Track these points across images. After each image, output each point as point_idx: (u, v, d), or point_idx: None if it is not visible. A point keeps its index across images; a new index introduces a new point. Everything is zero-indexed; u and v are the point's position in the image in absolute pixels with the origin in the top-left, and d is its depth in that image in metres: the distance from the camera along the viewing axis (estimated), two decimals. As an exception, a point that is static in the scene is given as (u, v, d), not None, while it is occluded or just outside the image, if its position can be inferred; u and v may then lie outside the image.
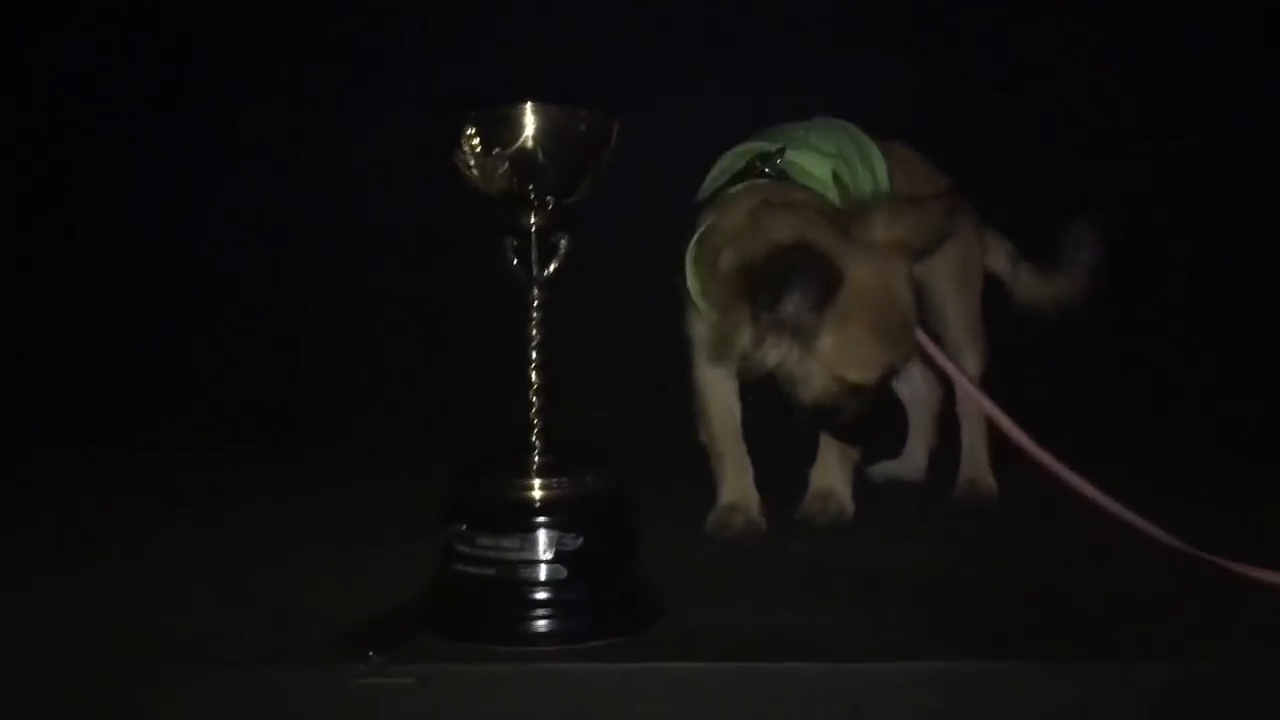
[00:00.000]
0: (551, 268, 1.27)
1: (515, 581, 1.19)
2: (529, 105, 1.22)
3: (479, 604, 1.20)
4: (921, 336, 1.64)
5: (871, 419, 1.53)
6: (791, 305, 1.40)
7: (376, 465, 2.19)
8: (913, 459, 2.00)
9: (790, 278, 1.39)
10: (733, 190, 1.59)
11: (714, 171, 1.69)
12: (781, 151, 1.61)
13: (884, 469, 1.99)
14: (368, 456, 2.29)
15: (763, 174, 1.59)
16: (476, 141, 1.21)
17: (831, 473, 1.71)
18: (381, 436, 2.46)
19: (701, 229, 1.58)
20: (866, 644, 1.17)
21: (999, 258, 1.98)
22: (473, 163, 1.22)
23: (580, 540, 1.19)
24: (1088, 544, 1.52)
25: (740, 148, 1.71)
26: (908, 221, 1.49)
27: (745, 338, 1.45)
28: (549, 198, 1.26)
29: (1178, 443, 2.28)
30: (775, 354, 1.45)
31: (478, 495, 1.23)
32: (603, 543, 1.22)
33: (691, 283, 1.60)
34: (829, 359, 1.45)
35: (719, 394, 1.68)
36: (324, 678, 1.13)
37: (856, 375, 1.47)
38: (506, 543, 1.18)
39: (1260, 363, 2.59)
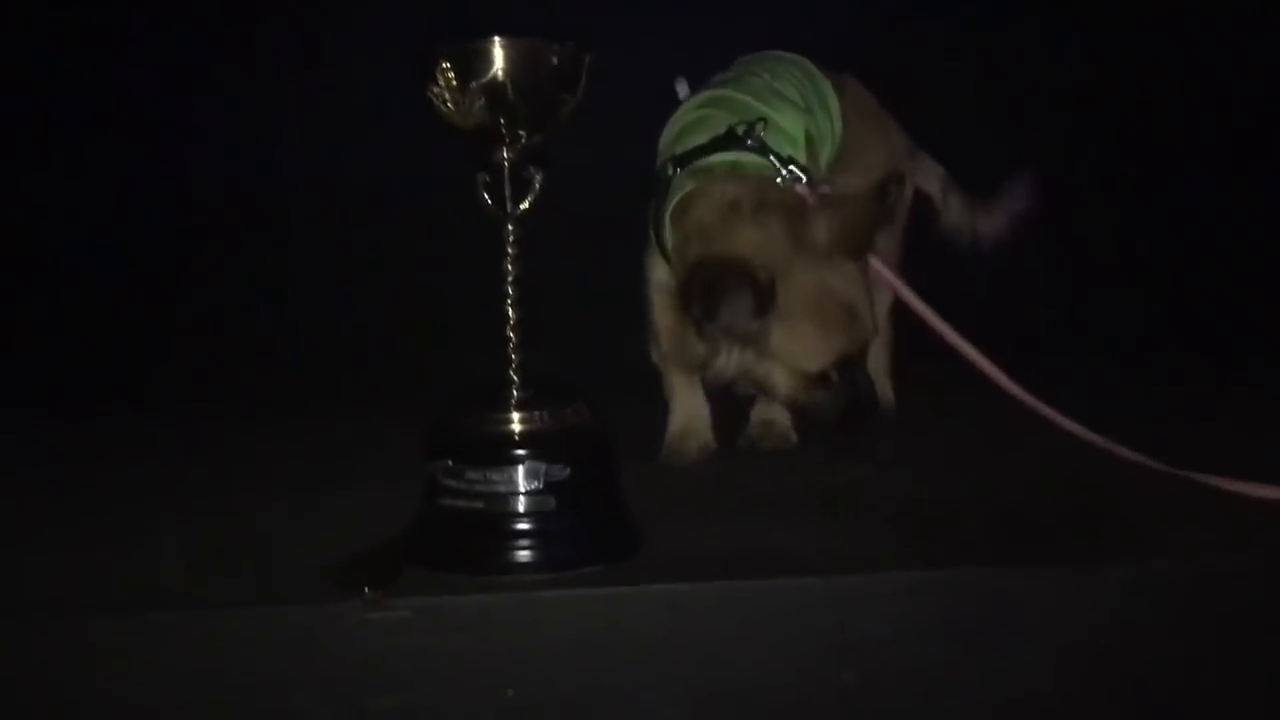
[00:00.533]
0: (525, 203, 1.27)
1: (503, 514, 1.21)
2: (500, 40, 1.21)
3: (469, 537, 1.22)
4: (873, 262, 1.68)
5: (854, 407, 1.57)
6: (728, 316, 1.47)
7: (359, 411, 2.20)
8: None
9: (723, 292, 1.46)
10: (713, 161, 1.63)
11: (682, 119, 1.72)
12: (763, 123, 1.65)
13: None
14: (350, 403, 2.29)
15: (743, 144, 1.63)
16: (451, 75, 1.21)
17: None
18: (364, 382, 2.46)
19: (679, 197, 1.61)
20: (843, 559, 1.22)
21: (931, 180, 2.04)
22: (447, 97, 1.22)
23: (567, 471, 1.21)
24: (1030, 459, 1.62)
25: (708, 93, 1.75)
26: (845, 224, 1.55)
27: (700, 348, 1.54)
28: (521, 133, 1.26)
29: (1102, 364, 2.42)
30: (731, 361, 1.53)
31: (463, 430, 1.24)
32: (586, 473, 1.24)
33: (668, 237, 1.63)
34: (781, 355, 1.52)
35: (672, 320, 1.69)
36: (317, 616, 1.14)
37: (810, 364, 1.53)
38: (494, 475, 1.20)
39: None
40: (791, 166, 1.62)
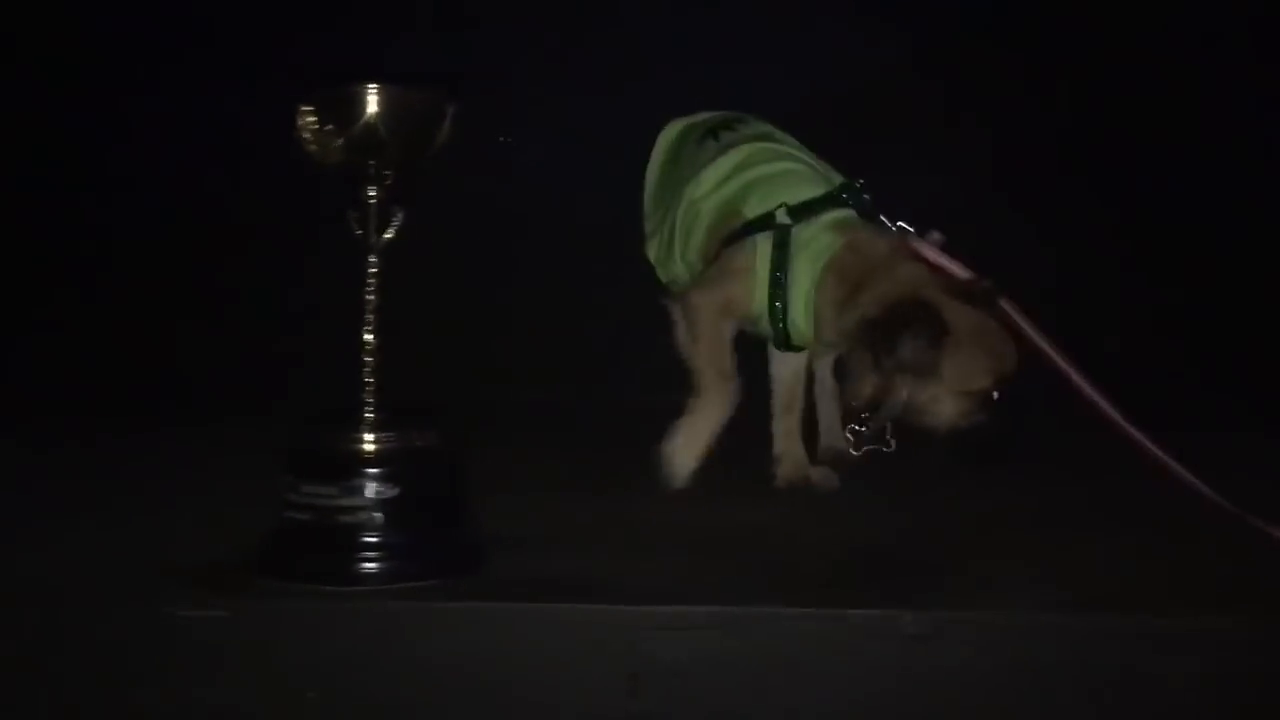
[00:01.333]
0: (387, 236, 1.36)
1: (334, 526, 1.28)
2: (367, 86, 1.31)
3: (304, 548, 1.30)
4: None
5: (1005, 433, 1.67)
6: (909, 350, 1.62)
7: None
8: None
9: (906, 327, 1.62)
10: (836, 216, 1.78)
11: (757, 168, 1.87)
12: (863, 187, 1.81)
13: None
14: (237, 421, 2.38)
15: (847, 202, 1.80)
16: (313, 119, 1.30)
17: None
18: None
19: (832, 247, 1.74)
20: (655, 590, 1.26)
21: None
22: (310, 138, 1.31)
23: (396, 490, 1.29)
24: (928, 510, 1.69)
25: (761, 145, 1.92)
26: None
27: (870, 383, 1.68)
28: (387, 172, 1.35)
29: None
30: (904, 392, 1.66)
31: (304, 448, 1.32)
32: (422, 493, 1.31)
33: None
34: (950, 380, 1.65)
35: (716, 322, 1.82)
36: (145, 617, 1.23)
37: (977, 384, 1.65)
38: (325, 490, 1.28)
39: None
40: (900, 223, 1.77)
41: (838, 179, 1.90)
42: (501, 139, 2.88)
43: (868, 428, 1.86)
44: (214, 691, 1.20)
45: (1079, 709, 1.16)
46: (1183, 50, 2.78)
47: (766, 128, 2.05)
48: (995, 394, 1.66)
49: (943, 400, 1.67)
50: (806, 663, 1.19)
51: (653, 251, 2.09)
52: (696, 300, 1.84)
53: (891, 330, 1.63)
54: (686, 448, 1.77)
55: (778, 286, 1.77)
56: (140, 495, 1.75)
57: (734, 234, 1.82)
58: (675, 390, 1.82)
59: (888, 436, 1.93)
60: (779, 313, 1.77)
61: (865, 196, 1.81)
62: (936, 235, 1.78)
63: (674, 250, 2.00)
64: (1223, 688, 1.15)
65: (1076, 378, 1.68)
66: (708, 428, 1.79)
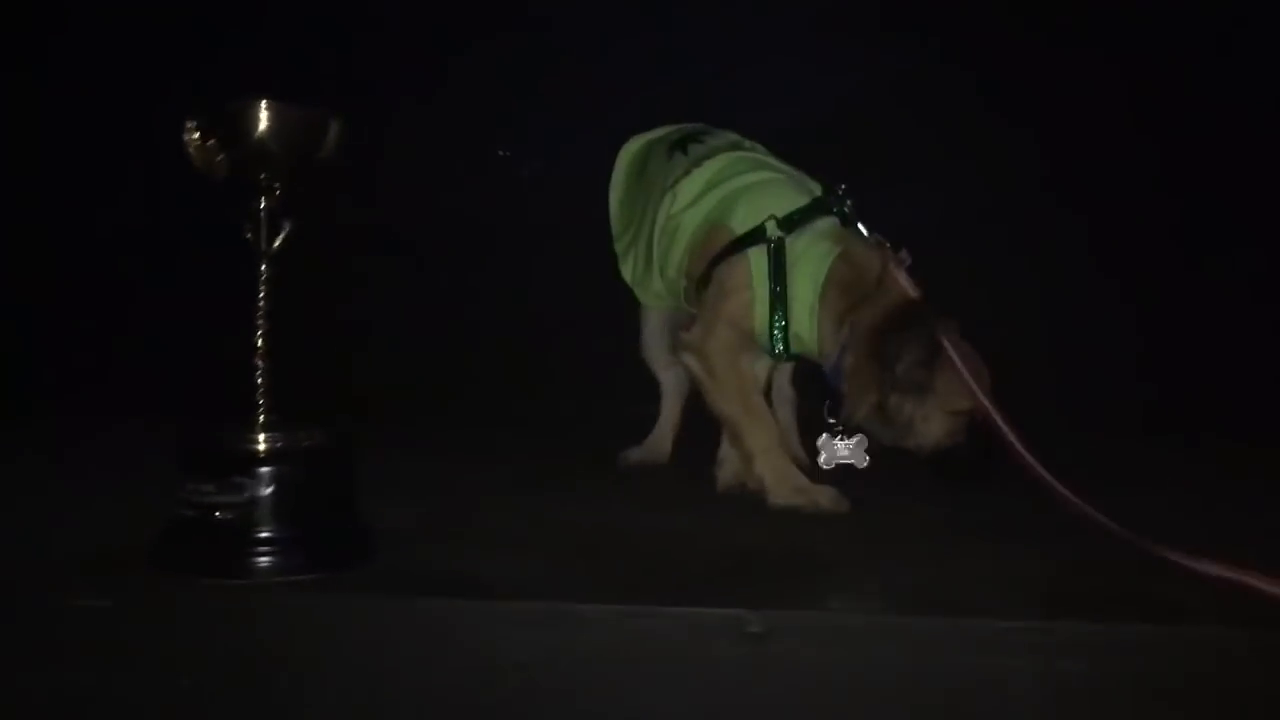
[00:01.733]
0: (276, 244, 1.43)
1: (218, 522, 1.35)
2: (255, 102, 1.37)
3: (190, 543, 1.37)
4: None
5: (986, 452, 1.70)
6: (908, 365, 1.70)
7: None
8: (659, 445, 2.18)
9: (906, 343, 1.69)
10: (822, 226, 1.82)
11: (734, 178, 1.90)
12: (848, 195, 1.86)
13: (631, 454, 2.18)
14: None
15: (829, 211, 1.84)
16: (196, 135, 1.37)
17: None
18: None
19: (828, 259, 1.78)
20: (517, 587, 1.32)
21: None
22: (194, 154, 1.38)
23: (279, 488, 1.35)
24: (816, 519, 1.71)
25: (739, 154, 1.96)
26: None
27: (873, 398, 1.73)
28: (276, 185, 1.42)
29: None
30: (903, 410, 1.73)
31: (193, 447, 1.39)
32: (304, 491, 1.38)
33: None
34: (941, 397, 1.71)
35: (731, 362, 1.86)
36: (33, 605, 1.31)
37: (964, 403, 1.70)
38: (207, 488, 1.35)
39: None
40: (876, 234, 1.82)
41: (815, 185, 1.92)
42: (500, 152, 2.96)
43: (842, 440, 1.91)
44: (95, 678, 1.27)
45: (905, 703, 1.19)
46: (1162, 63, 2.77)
47: (734, 137, 2.05)
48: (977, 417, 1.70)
49: (935, 418, 1.73)
50: (650, 659, 1.24)
51: (628, 271, 2.11)
52: (706, 346, 1.85)
53: (899, 345, 1.69)
54: (780, 481, 1.78)
55: (778, 300, 1.79)
56: (40, 487, 1.86)
57: (724, 250, 1.84)
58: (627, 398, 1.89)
59: (864, 452, 1.98)
60: (780, 326, 1.80)
61: (848, 204, 1.84)
62: (905, 254, 1.80)
63: (652, 267, 2.02)
64: (1047, 687, 1.18)
65: (979, 394, 1.69)
66: (777, 449, 1.82)
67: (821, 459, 1.98)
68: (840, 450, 1.95)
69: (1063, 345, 2.82)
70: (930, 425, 1.74)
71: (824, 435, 1.93)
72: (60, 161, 2.88)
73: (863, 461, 1.88)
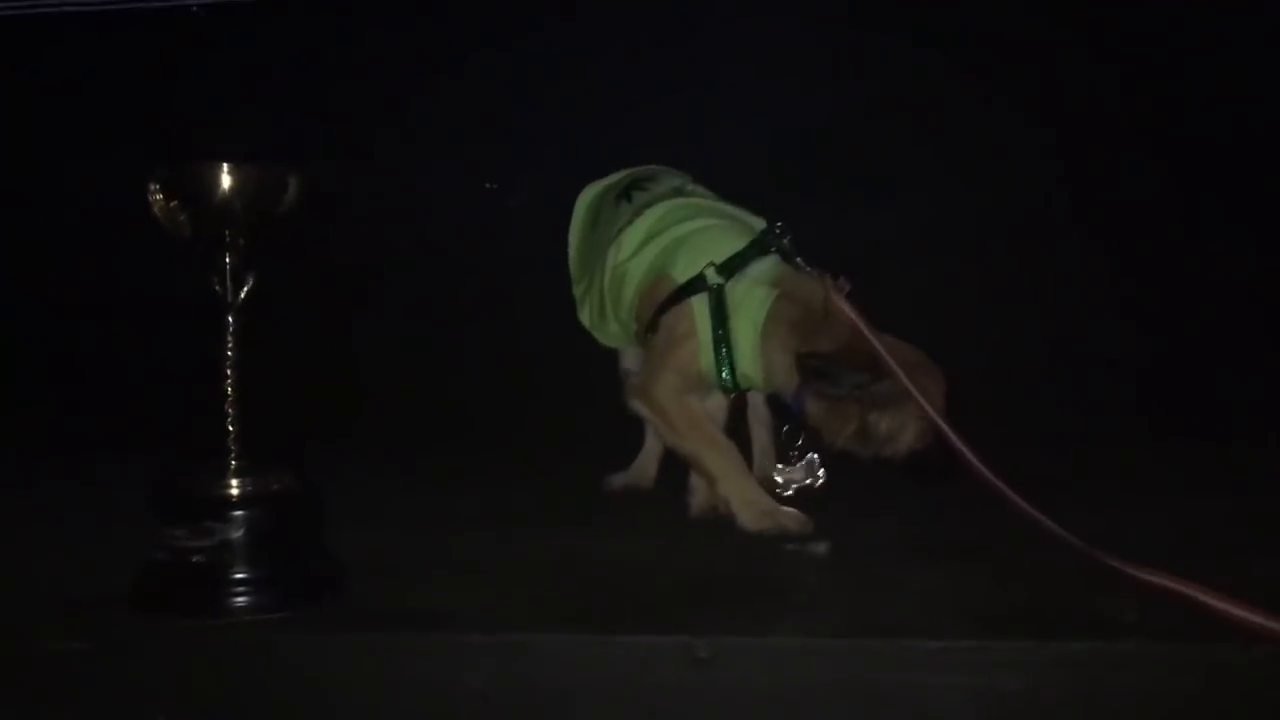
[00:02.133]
0: (242, 295, 1.49)
1: (191, 565, 1.41)
2: (211, 163, 1.44)
3: (166, 585, 1.42)
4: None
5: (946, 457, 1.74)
6: (848, 384, 1.77)
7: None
8: (644, 470, 2.23)
9: (839, 371, 1.78)
10: (764, 267, 1.88)
11: (675, 228, 1.96)
12: (786, 231, 1.92)
13: (615, 480, 2.24)
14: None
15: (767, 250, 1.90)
16: (160, 196, 1.44)
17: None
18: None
19: (768, 303, 1.85)
20: (476, 620, 1.37)
21: None
22: (157, 212, 1.44)
23: (249, 531, 1.41)
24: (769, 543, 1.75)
25: (682, 201, 2.03)
26: None
27: (853, 424, 1.80)
28: (241, 240, 1.48)
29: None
30: (882, 425, 1.80)
31: (164, 492, 1.45)
32: (273, 533, 1.43)
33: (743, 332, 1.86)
34: (909, 404, 1.76)
35: (679, 401, 1.91)
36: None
37: (934, 405, 1.75)
38: (180, 532, 1.41)
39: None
40: (813, 267, 1.88)
41: (755, 223, 1.98)
42: (487, 185, 3.03)
43: (797, 465, 1.97)
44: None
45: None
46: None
47: (678, 181, 2.13)
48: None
49: (907, 426, 1.80)
50: (600, 687, 1.28)
51: (586, 317, 2.19)
52: (652, 390, 1.92)
53: (829, 375, 1.77)
54: (745, 506, 1.82)
55: (720, 344, 1.86)
56: (10, 530, 1.92)
57: (669, 299, 1.91)
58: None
59: (818, 472, 2.04)
60: (725, 367, 1.86)
61: (785, 240, 1.91)
62: (844, 281, 1.86)
63: (606, 313, 2.10)
64: (982, 703, 1.22)
65: (927, 408, 1.74)
66: (741, 475, 1.87)
67: (780, 488, 2.05)
68: (798, 474, 2.04)
69: (1059, 352, 2.85)
70: (905, 433, 1.81)
71: (779, 465, 2.01)
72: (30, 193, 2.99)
73: (818, 481, 1.95)
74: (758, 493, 1.84)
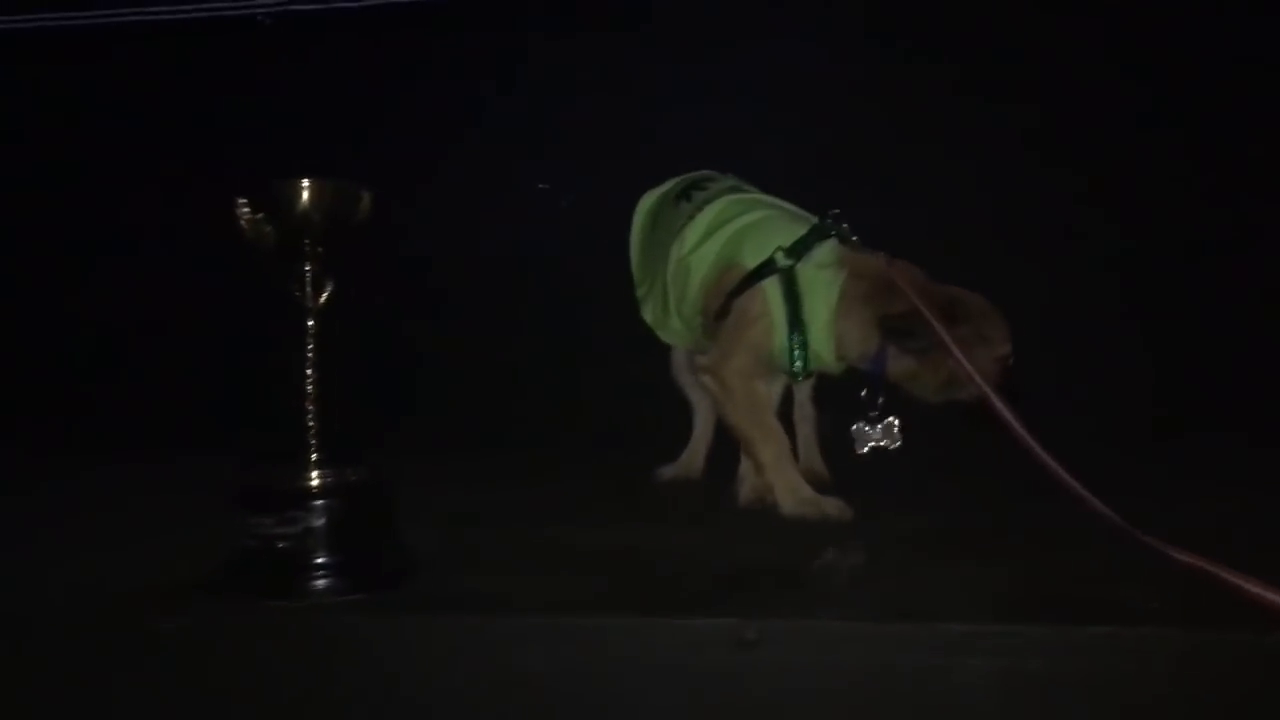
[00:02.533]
0: (322, 300, 1.61)
1: (276, 551, 1.54)
2: (293, 181, 1.56)
3: (252, 570, 1.55)
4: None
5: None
6: (921, 339, 1.89)
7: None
8: (692, 462, 2.33)
9: (912, 327, 1.89)
10: (827, 249, 2.00)
11: (737, 220, 2.08)
12: (840, 217, 2.03)
13: (665, 471, 2.37)
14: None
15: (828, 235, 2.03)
16: (246, 210, 1.56)
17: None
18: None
19: (840, 284, 1.97)
20: (533, 604, 1.48)
21: None
22: (244, 225, 1.57)
23: (322, 520, 1.53)
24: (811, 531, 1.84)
25: (741, 195, 2.16)
26: None
27: (944, 370, 1.91)
28: (319, 249, 1.60)
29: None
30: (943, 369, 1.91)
31: (252, 485, 1.58)
32: (349, 522, 1.55)
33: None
34: (991, 344, 1.91)
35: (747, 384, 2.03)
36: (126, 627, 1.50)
37: (1005, 347, 1.93)
38: (267, 520, 1.53)
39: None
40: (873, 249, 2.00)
41: (809, 216, 2.08)
42: (539, 186, 3.15)
43: (877, 426, 2.06)
44: (173, 689, 1.47)
45: (879, 704, 1.33)
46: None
47: (733, 181, 2.25)
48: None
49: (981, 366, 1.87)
50: (652, 667, 1.38)
51: (649, 314, 2.31)
52: (723, 369, 2.03)
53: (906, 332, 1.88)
54: (788, 493, 1.94)
55: (794, 323, 1.96)
56: (116, 523, 2.07)
57: (740, 285, 2.02)
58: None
59: (895, 432, 2.11)
60: (798, 345, 1.96)
61: (844, 225, 2.02)
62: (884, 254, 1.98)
63: (669, 308, 2.20)
64: (1007, 683, 1.30)
65: (981, 383, 1.81)
66: (787, 464, 1.98)
67: (857, 446, 2.10)
68: (875, 434, 2.08)
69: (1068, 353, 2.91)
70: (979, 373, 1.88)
71: (856, 425, 2.07)
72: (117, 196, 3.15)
73: (895, 442, 2.02)
74: (800, 482, 1.94)
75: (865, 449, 2.10)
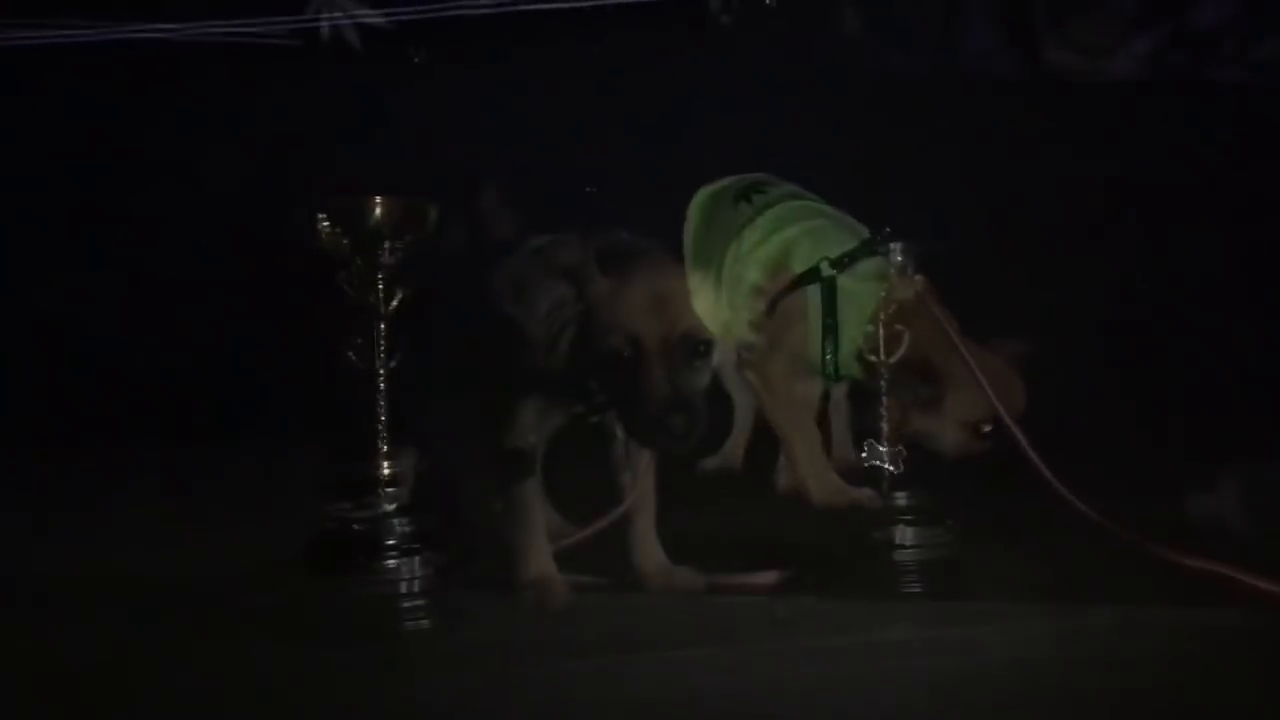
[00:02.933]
0: (392, 306, 1.76)
1: (351, 533, 1.70)
2: (366, 197, 1.71)
3: (334, 550, 1.72)
4: None
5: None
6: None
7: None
8: (733, 453, 2.46)
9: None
10: (869, 267, 2.08)
11: (790, 225, 2.19)
12: (891, 235, 2.11)
13: (708, 463, 2.46)
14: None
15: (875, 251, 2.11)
16: (325, 224, 1.72)
17: None
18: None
19: (874, 304, 2.05)
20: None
21: None
22: (323, 237, 1.72)
23: (394, 506, 1.69)
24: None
25: (801, 202, 2.26)
26: None
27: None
28: (390, 259, 1.75)
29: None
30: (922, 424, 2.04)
31: (333, 474, 1.74)
32: (415, 508, 1.71)
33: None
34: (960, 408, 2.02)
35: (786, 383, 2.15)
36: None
37: (1020, 400, 2.01)
38: (344, 505, 1.69)
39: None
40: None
41: (862, 229, 2.20)
42: (587, 189, 3.30)
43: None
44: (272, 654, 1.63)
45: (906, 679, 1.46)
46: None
47: (792, 187, 2.35)
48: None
49: (946, 432, 2.02)
50: (692, 640, 1.52)
51: (699, 304, 2.43)
52: (767, 367, 2.16)
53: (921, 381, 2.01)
54: (820, 484, 2.05)
55: (829, 330, 2.09)
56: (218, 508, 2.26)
57: (787, 287, 2.14)
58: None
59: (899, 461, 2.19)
60: (831, 352, 2.09)
61: (892, 244, 2.10)
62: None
63: (721, 299, 2.33)
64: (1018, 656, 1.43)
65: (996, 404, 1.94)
66: (819, 458, 2.10)
67: (865, 458, 2.22)
68: (883, 456, 2.19)
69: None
70: (944, 437, 2.05)
71: (870, 441, 2.19)
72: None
73: (897, 469, 2.13)
74: (830, 473, 2.07)
75: (869, 465, 2.20)
